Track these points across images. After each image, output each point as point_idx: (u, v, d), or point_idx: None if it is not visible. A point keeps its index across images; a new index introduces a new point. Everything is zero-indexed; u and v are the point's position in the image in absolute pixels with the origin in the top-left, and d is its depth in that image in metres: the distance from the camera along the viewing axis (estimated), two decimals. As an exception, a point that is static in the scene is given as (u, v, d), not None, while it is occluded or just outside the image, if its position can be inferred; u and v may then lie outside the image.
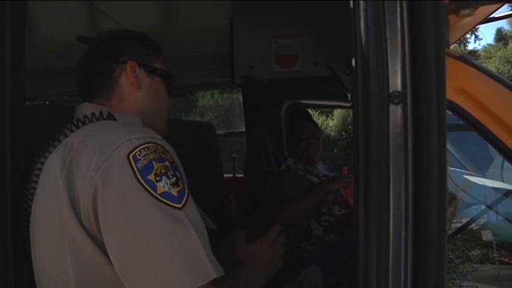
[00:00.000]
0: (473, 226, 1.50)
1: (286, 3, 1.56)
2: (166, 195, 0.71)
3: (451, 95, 0.74)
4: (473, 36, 10.52)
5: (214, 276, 0.71)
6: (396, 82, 0.69)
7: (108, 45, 0.93)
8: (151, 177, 0.71)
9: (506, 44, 9.65)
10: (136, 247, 0.70)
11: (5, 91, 0.86)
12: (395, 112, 0.69)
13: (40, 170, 0.82)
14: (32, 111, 1.16)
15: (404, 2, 0.69)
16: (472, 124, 0.81)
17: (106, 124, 0.83)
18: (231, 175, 2.67)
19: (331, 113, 7.71)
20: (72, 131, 0.82)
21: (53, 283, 0.80)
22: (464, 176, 1.61)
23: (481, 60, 8.30)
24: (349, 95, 1.61)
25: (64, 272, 0.75)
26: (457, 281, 1.28)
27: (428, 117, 0.68)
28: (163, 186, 0.71)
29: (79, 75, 0.94)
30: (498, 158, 1.23)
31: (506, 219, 1.53)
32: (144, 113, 0.90)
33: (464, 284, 1.29)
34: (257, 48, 1.75)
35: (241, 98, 2.23)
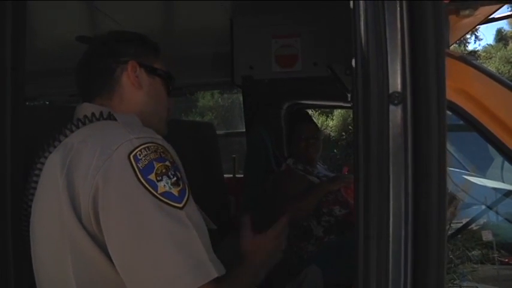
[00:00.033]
0: (473, 226, 1.50)
1: (286, 3, 1.56)
2: (167, 194, 0.71)
3: (451, 95, 0.74)
4: (473, 37, 10.54)
5: (215, 275, 0.71)
6: (396, 82, 0.69)
7: (109, 46, 0.93)
8: (152, 177, 0.71)
9: (506, 45, 9.66)
10: (137, 247, 0.70)
11: (5, 91, 0.86)
12: (395, 113, 0.69)
13: (40, 170, 0.82)
14: (32, 111, 1.16)
15: (404, 2, 0.69)
16: (472, 124, 0.81)
17: (106, 124, 0.83)
18: (231, 175, 2.67)
19: (331, 113, 7.72)
20: (72, 131, 0.82)
21: (53, 283, 0.80)
22: (464, 177, 1.61)
23: (481, 61, 8.30)
24: (349, 96, 1.61)
25: (64, 272, 0.75)
26: (457, 281, 1.28)
27: (428, 117, 0.68)
28: (164, 186, 0.72)
29: (79, 75, 0.94)
30: (498, 159, 1.23)
31: (506, 219, 1.53)
32: (144, 113, 0.91)
33: (465, 284, 1.29)
34: (257, 48, 1.75)
35: (241, 98, 2.23)
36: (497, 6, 1.12)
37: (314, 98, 2.63)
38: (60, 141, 0.82)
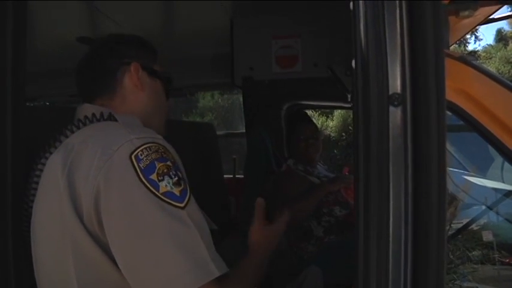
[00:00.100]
0: (474, 227, 1.50)
1: (286, 4, 1.56)
2: (168, 194, 0.72)
3: (451, 95, 0.74)
4: (473, 37, 10.54)
5: (217, 274, 0.71)
6: (396, 83, 0.69)
7: (111, 47, 0.94)
8: (153, 177, 0.71)
9: (506, 45, 9.66)
10: (139, 246, 0.71)
11: (5, 92, 0.86)
12: (395, 114, 0.69)
13: (41, 170, 0.82)
14: (33, 112, 1.16)
15: (403, 2, 0.69)
16: (472, 125, 0.81)
17: (107, 125, 0.84)
18: (231, 176, 2.67)
19: (332, 113, 7.71)
20: (72, 132, 0.83)
21: (53, 284, 0.80)
22: (464, 177, 1.61)
23: (481, 61, 8.30)
24: (349, 96, 1.61)
25: (65, 272, 0.75)
26: (457, 282, 1.28)
27: (428, 117, 0.68)
28: (166, 185, 0.72)
29: (80, 76, 0.94)
30: (498, 159, 1.23)
31: (507, 219, 1.52)
32: (144, 114, 0.91)
33: (465, 284, 1.29)
34: (257, 49, 1.75)
35: (241, 99, 2.23)
36: (497, 6, 1.12)
37: (314, 98, 2.63)
38: (60, 142, 0.82)
